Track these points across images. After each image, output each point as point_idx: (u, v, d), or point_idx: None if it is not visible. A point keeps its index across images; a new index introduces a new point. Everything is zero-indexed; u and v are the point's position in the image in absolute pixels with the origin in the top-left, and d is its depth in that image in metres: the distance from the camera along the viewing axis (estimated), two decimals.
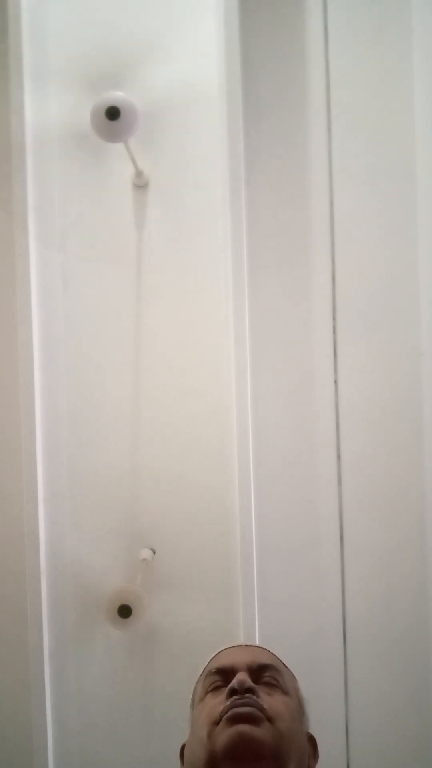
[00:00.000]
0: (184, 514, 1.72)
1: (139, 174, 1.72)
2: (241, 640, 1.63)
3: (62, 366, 1.74)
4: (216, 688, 1.16)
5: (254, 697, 1.09)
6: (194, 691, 1.23)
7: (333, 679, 1.76)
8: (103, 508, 1.74)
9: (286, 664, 1.24)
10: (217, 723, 1.08)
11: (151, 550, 1.72)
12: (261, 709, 1.08)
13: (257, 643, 1.61)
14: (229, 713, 1.07)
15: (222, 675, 1.18)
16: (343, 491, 1.78)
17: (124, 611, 1.62)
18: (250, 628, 1.66)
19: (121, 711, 1.73)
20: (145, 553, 1.70)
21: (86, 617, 1.72)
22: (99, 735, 1.73)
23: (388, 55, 1.78)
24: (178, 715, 1.59)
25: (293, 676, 1.23)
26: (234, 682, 1.11)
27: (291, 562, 1.77)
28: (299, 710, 1.18)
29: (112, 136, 1.61)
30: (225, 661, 1.20)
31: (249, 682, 1.11)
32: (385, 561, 1.76)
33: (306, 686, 1.25)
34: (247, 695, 1.09)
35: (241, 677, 1.12)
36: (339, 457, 1.78)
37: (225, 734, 1.05)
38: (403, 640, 1.76)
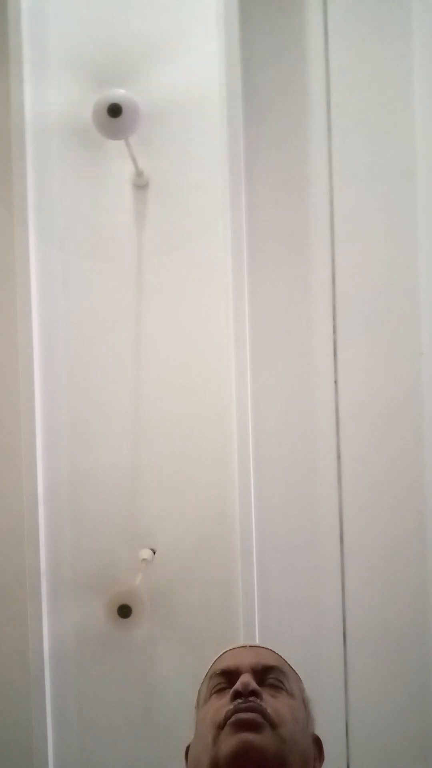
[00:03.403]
0: (184, 514, 1.72)
1: (139, 174, 1.72)
2: (241, 640, 1.63)
3: (62, 366, 1.74)
4: (220, 690, 1.16)
5: (258, 701, 1.09)
6: (199, 692, 1.23)
7: (333, 680, 1.76)
8: (103, 508, 1.74)
9: (290, 664, 1.24)
10: (221, 727, 1.08)
11: (151, 550, 1.72)
12: (264, 714, 1.08)
13: (257, 643, 1.61)
14: (233, 719, 1.07)
15: (226, 677, 1.17)
16: (343, 491, 1.78)
17: (124, 611, 1.62)
18: (250, 628, 1.66)
19: (121, 711, 1.73)
20: (145, 553, 1.70)
21: (86, 617, 1.72)
22: (99, 735, 1.73)
23: (388, 55, 1.78)
24: (178, 714, 1.59)
25: (298, 677, 1.23)
26: (238, 685, 1.11)
27: (291, 562, 1.77)
28: (304, 713, 1.18)
29: (113, 134, 1.61)
30: (229, 663, 1.20)
31: (253, 685, 1.11)
32: (385, 561, 1.77)
33: (306, 686, 1.25)
34: (251, 699, 1.09)
35: (245, 680, 1.12)
36: (339, 457, 1.78)
37: (228, 742, 1.05)
38: (403, 641, 1.76)
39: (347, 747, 1.77)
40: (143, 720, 1.72)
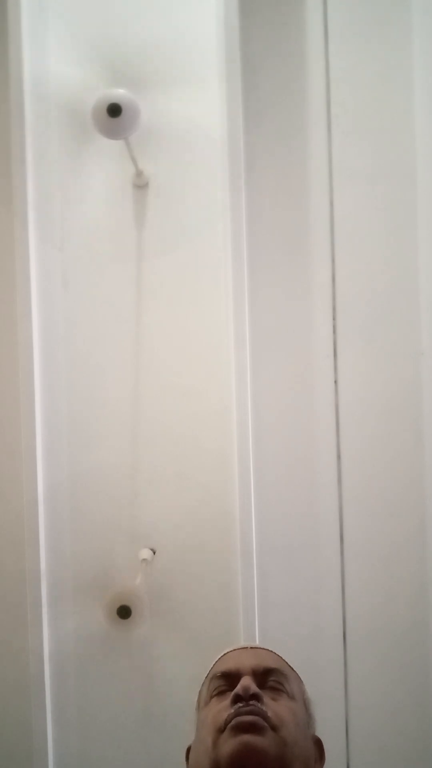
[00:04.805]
0: (184, 514, 1.71)
1: (139, 174, 1.72)
2: (242, 639, 1.63)
3: (62, 366, 1.74)
4: (221, 693, 1.16)
5: (259, 704, 1.09)
6: (200, 693, 1.23)
7: (333, 679, 1.76)
8: (103, 508, 1.73)
9: (291, 665, 1.24)
10: (221, 730, 1.08)
11: (151, 550, 1.72)
12: (265, 717, 1.07)
13: (257, 643, 1.61)
14: (233, 722, 1.07)
15: (227, 679, 1.17)
16: (343, 491, 1.78)
17: (124, 611, 1.62)
18: (250, 628, 1.66)
19: (121, 711, 1.73)
20: (145, 553, 1.70)
21: (86, 617, 1.72)
22: (99, 735, 1.73)
23: (388, 55, 1.78)
24: (178, 715, 1.60)
25: (299, 678, 1.23)
26: (238, 688, 1.11)
27: (291, 562, 1.77)
28: (305, 714, 1.18)
29: (112, 133, 1.61)
30: (230, 665, 1.19)
31: (254, 688, 1.11)
32: (385, 561, 1.76)
33: (306, 687, 1.25)
34: (251, 702, 1.09)
35: (246, 683, 1.11)
36: (339, 457, 1.78)
37: (229, 744, 1.05)
38: (403, 640, 1.76)
39: (347, 747, 1.77)
40: (143, 720, 1.72)
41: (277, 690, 1.16)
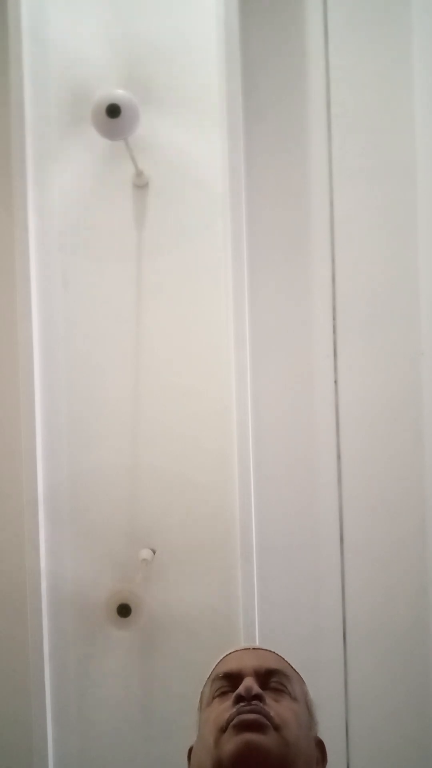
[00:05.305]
0: (184, 514, 1.72)
1: (139, 174, 1.72)
2: (242, 640, 1.63)
3: (62, 366, 1.74)
4: (223, 693, 1.16)
5: (261, 704, 1.09)
6: (202, 694, 1.23)
7: (333, 679, 1.76)
8: (103, 508, 1.73)
9: (293, 666, 1.24)
10: (223, 730, 1.07)
11: (151, 550, 1.72)
12: (267, 716, 1.07)
13: (257, 643, 1.61)
14: (235, 720, 1.07)
15: (229, 680, 1.17)
16: (343, 491, 1.78)
17: (124, 611, 1.62)
18: (250, 628, 1.66)
19: (121, 711, 1.73)
20: (145, 553, 1.70)
21: (86, 617, 1.72)
22: (99, 735, 1.73)
23: (388, 55, 1.78)
24: (178, 714, 1.60)
25: (302, 679, 1.23)
26: (241, 689, 1.11)
27: (291, 562, 1.78)
28: (307, 716, 1.17)
29: (112, 134, 1.62)
30: (232, 666, 1.19)
31: (256, 688, 1.11)
32: (385, 561, 1.77)
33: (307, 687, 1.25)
34: (253, 702, 1.09)
35: (248, 683, 1.11)
36: (339, 457, 1.78)
37: (231, 742, 1.05)
38: (403, 640, 1.76)
39: (347, 747, 1.77)
40: (143, 720, 1.72)
41: (280, 691, 1.16)
